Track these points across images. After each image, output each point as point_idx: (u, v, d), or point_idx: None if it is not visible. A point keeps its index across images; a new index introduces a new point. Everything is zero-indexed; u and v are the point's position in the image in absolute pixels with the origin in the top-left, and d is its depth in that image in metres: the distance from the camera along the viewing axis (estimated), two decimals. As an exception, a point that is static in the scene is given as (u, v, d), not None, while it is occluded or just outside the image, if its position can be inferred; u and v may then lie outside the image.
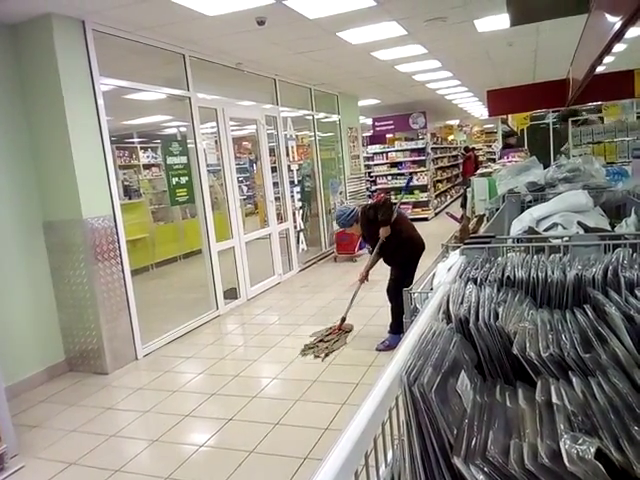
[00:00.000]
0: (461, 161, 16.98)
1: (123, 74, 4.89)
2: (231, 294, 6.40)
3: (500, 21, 5.52)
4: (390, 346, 4.36)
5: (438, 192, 14.42)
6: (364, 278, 4.93)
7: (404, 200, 12.85)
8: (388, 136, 14.21)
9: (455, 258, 1.69)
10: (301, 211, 8.38)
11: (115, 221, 4.60)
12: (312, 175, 8.99)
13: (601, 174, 3.26)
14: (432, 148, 13.89)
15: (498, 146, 14.47)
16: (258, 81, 7.25)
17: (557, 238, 1.92)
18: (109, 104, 4.64)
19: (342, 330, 4.92)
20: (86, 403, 3.94)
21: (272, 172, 7.54)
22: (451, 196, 16.20)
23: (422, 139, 13.07)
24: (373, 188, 13.67)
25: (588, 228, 2.13)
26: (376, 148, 13.61)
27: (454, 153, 17.80)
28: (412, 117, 12.82)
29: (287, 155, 7.92)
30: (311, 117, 8.85)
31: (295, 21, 4.96)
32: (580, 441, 0.60)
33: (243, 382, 4.11)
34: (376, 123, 13.43)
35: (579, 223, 2.21)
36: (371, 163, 13.64)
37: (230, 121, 6.47)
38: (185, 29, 4.93)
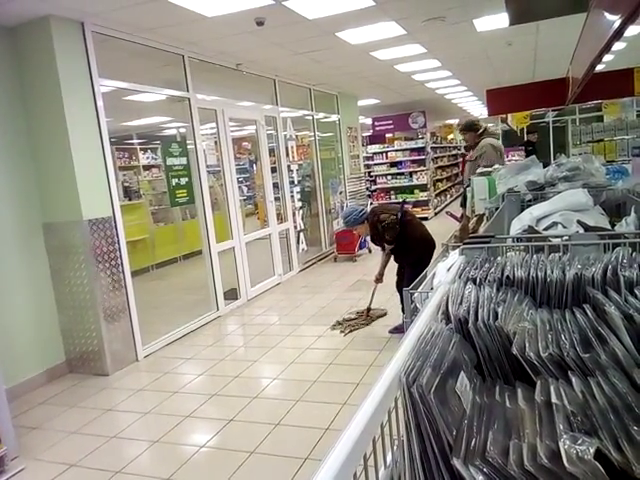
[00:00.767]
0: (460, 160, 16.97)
1: (122, 75, 4.89)
2: (231, 295, 6.40)
3: (499, 20, 5.52)
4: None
5: (438, 191, 14.41)
6: (379, 279, 4.98)
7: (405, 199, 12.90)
8: (388, 136, 14.20)
9: (455, 257, 1.69)
10: (301, 211, 8.38)
11: (115, 222, 4.59)
12: (312, 175, 8.99)
13: (601, 173, 3.25)
14: (432, 147, 13.88)
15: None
16: (258, 82, 7.26)
17: (557, 237, 1.92)
18: (109, 105, 4.64)
19: (370, 316, 5.18)
20: (86, 405, 3.94)
21: (272, 172, 7.54)
22: (451, 195, 16.20)
23: (422, 138, 13.07)
24: (373, 188, 13.68)
25: (588, 227, 2.12)
26: (376, 148, 13.61)
27: (454, 152, 17.79)
28: (411, 116, 12.82)
29: (287, 155, 7.92)
30: (311, 117, 8.85)
31: (294, 22, 4.96)
32: (579, 441, 0.60)
33: (243, 383, 4.11)
34: (376, 123, 13.43)
35: (579, 222, 2.20)
36: (371, 163, 13.64)
37: (230, 122, 6.47)
38: (184, 30, 4.93)
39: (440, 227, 9.70)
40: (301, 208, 8.39)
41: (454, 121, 21.45)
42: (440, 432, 0.71)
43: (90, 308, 4.43)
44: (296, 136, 8.33)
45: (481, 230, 3.47)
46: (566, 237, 1.83)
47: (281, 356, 4.57)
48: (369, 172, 13.73)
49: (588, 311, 0.96)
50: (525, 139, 10.36)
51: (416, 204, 12.81)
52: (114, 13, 4.25)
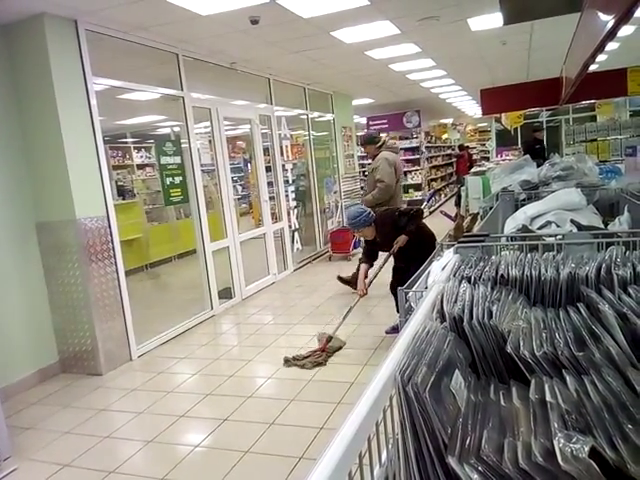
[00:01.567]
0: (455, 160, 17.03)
1: (116, 74, 4.86)
2: (226, 294, 6.39)
3: (493, 20, 5.53)
4: None
5: (432, 191, 14.42)
6: (365, 292, 4.62)
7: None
8: (382, 135, 14.19)
9: (449, 256, 1.69)
10: (295, 210, 8.37)
11: (109, 221, 4.57)
12: (306, 174, 8.99)
13: (594, 172, 3.28)
14: (426, 147, 13.91)
15: (492, 145, 14.51)
16: (252, 80, 7.24)
17: (551, 236, 1.92)
18: (102, 104, 4.61)
19: (326, 351, 4.40)
20: (80, 404, 3.92)
21: (266, 171, 7.52)
22: (445, 195, 16.23)
23: (416, 138, 13.09)
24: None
25: (581, 226, 2.14)
26: (370, 147, 13.59)
27: (448, 152, 17.83)
28: (406, 116, 12.83)
29: (281, 154, 7.91)
30: (305, 116, 8.84)
31: (289, 20, 4.95)
32: (574, 440, 0.60)
33: (238, 382, 4.10)
34: (370, 122, 13.43)
35: (572, 221, 2.22)
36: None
37: (224, 121, 6.45)
38: (179, 29, 4.91)
39: (435, 226, 9.70)
40: (296, 207, 8.38)
41: (449, 121, 21.54)
42: (435, 430, 0.71)
43: (84, 307, 4.41)
44: (291, 135, 8.32)
45: (475, 229, 3.48)
46: (560, 236, 1.84)
47: (275, 355, 4.56)
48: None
49: (582, 310, 0.96)
50: (532, 136, 10.31)
51: (410, 203, 12.82)
52: (108, 11, 4.23)
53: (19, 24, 4.12)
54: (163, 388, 4.09)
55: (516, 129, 13.21)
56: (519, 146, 13.45)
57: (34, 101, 4.24)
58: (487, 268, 1.25)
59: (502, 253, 1.61)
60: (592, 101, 10.95)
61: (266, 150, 7.62)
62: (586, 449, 0.58)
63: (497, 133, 14.65)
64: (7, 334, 4.15)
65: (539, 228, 2.33)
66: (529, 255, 1.31)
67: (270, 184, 7.71)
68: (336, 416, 3.31)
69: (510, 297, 1.07)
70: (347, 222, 4.85)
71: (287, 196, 8.08)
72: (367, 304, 5.66)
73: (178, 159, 5.49)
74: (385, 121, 13.19)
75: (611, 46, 7.07)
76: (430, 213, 13.16)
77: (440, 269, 1.65)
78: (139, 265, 8.20)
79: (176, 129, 6.30)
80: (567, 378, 0.76)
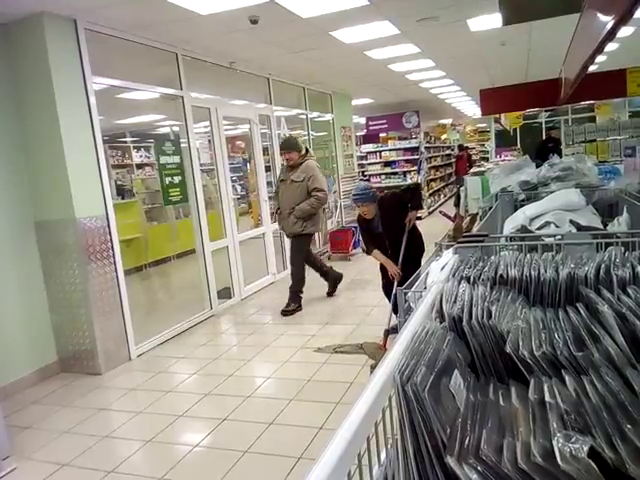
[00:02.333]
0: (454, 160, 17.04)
1: (116, 73, 4.86)
2: (225, 293, 6.39)
3: (493, 20, 5.54)
4: None
5: (431, 191, 14.45)
6: (399, 273, 4.36)
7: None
8: (381, 135, 14.22)
9: (448, 257, 1.69)
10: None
11: (108, 221, 4.57)
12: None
13: (593, 173, 3.28)
14: (425, 147, 13.91)
15: (492, 145, 14.52)
16: (251, 80, 7.24)
17: (550, 237, 1.92)
18: (101, 103, 4.61)
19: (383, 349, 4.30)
20: (79, 404, 3.92)
21: (266, 171, 7.52)
22: (445, 195, 16.24)
23: (415, 138, 13.09)
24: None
25: (580, 226, 2.14)
26: (370, 147, 13.62)
27: (447, 152, 17.83)
28: (405, 116, 12.84)
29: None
30: (304, 116, 8.84)
31: (288, 20, 4.95)
32: (573, 440, 0.60)
33: (237, 382, 4.10)
34: (369, 122, 13.44)
35: (571, 221, 2.22)
36: (365, 162, 13.65)
37: (223, 120, 6.45)
38: (178, 28, 4.91)
39: (434, 226, 9.72)
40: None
41: (448, 121, 21.54)
42: (434, 430, 0.71)
43: (83, 307, 4.41)
44: (290, 135, 8.32)
45: (475, 229, 3.48)
46: (559, 236, 1.84)
47: (275, 355, 4.57)
48: (363, 171, 13.74)
49: (581, 310, 0.96)
50: (547, 135, 10.28)
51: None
52: (107, 10, 4.23)
53: (18, 23, 4.11)
54: (162, 388, 4.09)
55: (515, 129, 13.23)
56: (518, 146, 13.47)
57: (33, 100, 4.23)
58: (486, 268, 1.25)
59: (501, 253, 1.61)
60: (591, 102, 10.96)
61: (265, 150, 7.62)
62: (585, 449, 0.58)
63: (496, 133, 14.67)
64: (6, 333, 4.15)
65: (538, 228, 2.33)
66: (528, 255, 1.31)
67: (269, 184, 7.71)
68: (335, 416, 3.31)
69: (509, 297, 1.07)
70: (354, 194, 4.54)
71: (286, 196, 8.06)
72: (366, 304, 5.67)
73: (177, 159, 5.49)
74: (384, 121, 13.20)
75: (610, 47, 7.08)
76: (429, 214, 13.17)
77: (439, 269, 1.65)
78: (138, 265, 8.19)
79: (175, 129, 6.30)
80: (566, 378, 0.76)
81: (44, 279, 4.50)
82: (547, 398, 0.71)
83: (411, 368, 0.74)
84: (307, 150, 5.80)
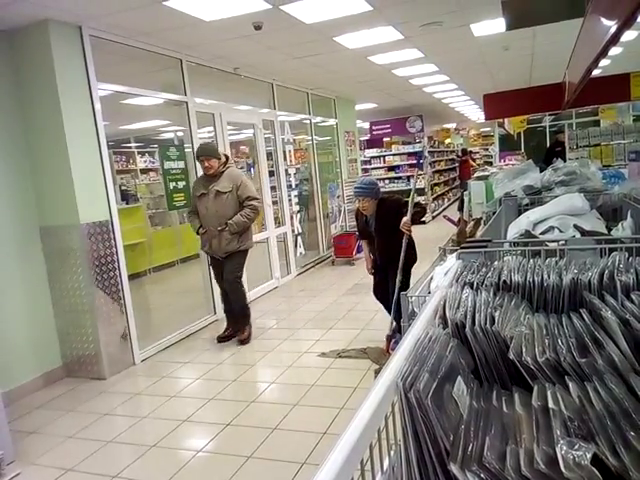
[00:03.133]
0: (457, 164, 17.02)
1: (120, 79, 4.89)
2: (229, 298, 6.38)
3: (496, 25, 5.54)
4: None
5: (435, 195, 14.44)
6: (371, 270, 4.63)
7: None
8: (385, 140, 14.23)
9: (452, 261, 1.69)
10: (299, 215, 8.38)
11: (112, 226, 4.59)
12: (309, 179, 9.00)
13: (597, 177, 3.27)
14: (429, 151, 13.91)
15: (495, 149, 14.51)
16: (255, 86, 7.27)
17: (553, 242, 1.92)
18: (106, 109, 4.63)
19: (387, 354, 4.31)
20: (83, 409, 3.93)
21: (270, 176, 7.54)
22: (448, 199, 16.23)
23: (419, 142, 13.10)
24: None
25: (584, 231, 2.13)
26: (373, 152, 13.64)
27: (451, 156, 17.83)
28: (409, 121, 12.85)
29: (284, 159, 7.93)
30: (308, 121, 8.86)
31: (292, 26, 4.97)
32: (576, 447, 0.60)
33: (241, 387, 4.10)
34: (373, 127, 13.47)
35: (575, 226, 2.21)
36: (368, 167, 13.66)
37: (227, 125, 6.47)
38: (182, 34, 4.93)
39: (438, 231, 9.72)
40: (299, 212, 8.39)
41: (452, 125, 21.54)
42: (437, 437, 0.71)
43: (87, 312, 4.42)
44: (294, 140, 8.34)
45: (478, 234, 3.48)
46: (562, 242, 1.84)
47: (279, 360, 4.56)
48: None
49: (585, 316, 0.96)
50: (554, 138, 10.29)
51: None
52: (112, 17, 4.26)
53: (23, 30, 4.15)
54: (166, 393, 4.09)
55: (519, 134, 13.21)
56: (522, 151, 13.45)
57: (38, 106, 4.26)
58: (490, 274, 1.25)
59: (505, 258, 1.61)
60: (595, 106, 10.94)
61: (269, 155, 7.64)
62: (588, 456, 0.58)
63: (500, 138, 14.64)
64: (11, 338, 4.16)
65: (542, 233, 2.33)
66: (532, 261, 1.31)
67: (273, 188, 7.72)
68: (339, 421, 3.30)
69: (513, 303, 1.07)
70: (357, 186, 4.41)
71: (290, 200, 8.09)
72: (369, 308, 5.65)
73: (182, 164, 5.51)
74: (388, 126, 13.22)
75: (614, 51, 7.07)
76: (433, 218, 13.16)
77: (443, 274, 1.65)
78: (142, 270, 8.20)
79: (180, 134, 6.33)
80: (570, 385, 0.76)
81: (49, 284, 4.51)
82: (550, 405, 0.71)
83: (414, 375, 0.74)
84: (227, 157, 5.10)
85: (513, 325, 0.95)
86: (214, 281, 5.98)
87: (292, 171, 8.17)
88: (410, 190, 4.27)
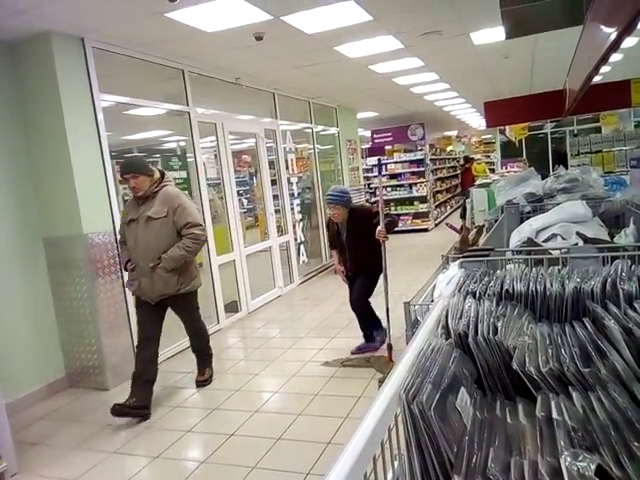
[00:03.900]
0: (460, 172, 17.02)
1: (123, 90, 4.92)
2: (232, 307, 6.39)
3: (496, 34, 5.57)
4: (371, 347, 4.59)
5: (438, 203, 14.45)
6: (345, 279, 4.83)
7: (405, 211, 12.94)
8: (387, 148, 14.27)
9: (455, 270, 1.69)
10: (301, 223, 8.39)
11: (115, 236, 4.60)
12: (312, 187, 9.02)
13: (599, 184, 3.27)
14: (431, 159, 13.94)
15: (497, 156, 14.52)
16: (257, 95, 7.31)
17: (556, 249, 1.92)
18: (109, 120, 4.66)
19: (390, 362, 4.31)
20: (87, 420, 3.92)
21: (272, 185, 7.56)
22: (451, 207, 16.23)
23: (421, 150, 13.13)
24: (373, 199, 13.71)
25: (587, 239, 2.13)
26: (375, 160, 13.65)
27: (453, 164, 17.85)
28: (410, 129, 12.89)
29: (287, 168, 7.95)
30: (310, 130, 8.89)
31: (293, 36, 5.01)
32: (580, 458, 0.60)
33: (244, 396, 4.09)
34: (375, 135, 13.51)
35: (578, 234, 2.21)
36: (370, 175, 13.69)
37: (229, 135, 6.50)
38: (184, 45, 4.97)
39: (440, 239, 9.71)
40: (301, 220, 8.40)
41: (453, 133, 21.58)
42: (441, 448, 0.71)
43: (90, 322, 4.42)
44: (295, 149, 8.37)
45: (481, 242, 3.48)
46: (565, 249, 1.83)
47: (282, 369, 4.55)
48: (369, 184, 13.78)
49: (588, 325, 0.96)
50: (553, 150, 10.39)
51: (416, 216, 12.84)
52: (114, 29, 4.29)
53: (26, 42, 4.18)
54: (169, 403, 4.08)
55: (521, 141, 13.22)
56: (524, 158, 13.46)
57: (41, 117, 4.29)
58: (492, 283, 1.25)
59: (507, 267, 1.61)
60: (596, 112, 10.94)
61: (271, 164, 7.67)
62: (592, 467, 0.58)
63: (502, 145, 14.66)
64: (14, 349, 4.16)
65: (545, 241, 2.33)
66: (534, 269, 1.31)
67: (276, 197, 7.74)
68: (344, 431, 3.29)
69: (515, 312, 1.07)
70: (329, 194, 4.45)
71: (293, 209, 8.10)
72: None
73: (184, 173, 5.53)
74: (390, 134, 13.26)
75: (614, 57, 7.09)
76: (435, 225, 13.16)
77: (445, 282, 1.65)
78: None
79: (182, 144, 6.35)
80: (573, 394, 0.76)
81: (52, 294, 4.52)
82: (554, 415, 0.71)
83: (417, 386, 0.74)
84: (162, 174, 4.01)
85: (516, 335, 0.95)
86: (217, 290, 5.98)
87: (294, 180, 8.19)
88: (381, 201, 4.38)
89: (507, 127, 12.09)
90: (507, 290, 1.19)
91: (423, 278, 3.74)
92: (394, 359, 4.27)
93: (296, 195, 8.24)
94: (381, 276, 4.52)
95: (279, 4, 4.18)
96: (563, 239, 2.28)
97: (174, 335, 5.42)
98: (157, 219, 3.82)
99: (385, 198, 13.18)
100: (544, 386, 0.82)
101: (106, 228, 4.52)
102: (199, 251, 4.11)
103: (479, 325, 0.98)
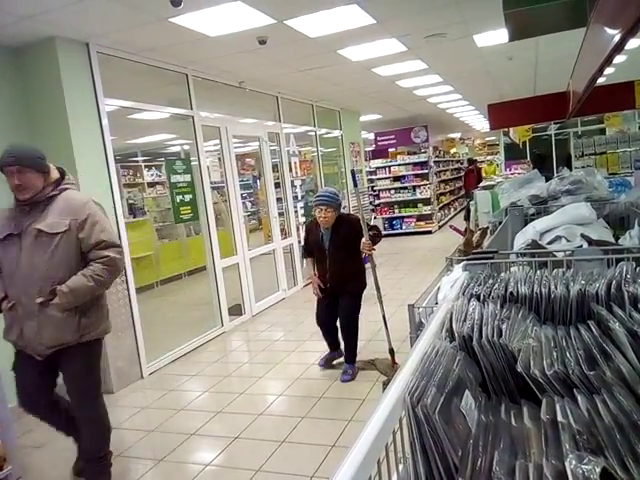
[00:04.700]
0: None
1: (127, 94, 4.94)
2: (236, 310, 6.39)
3: (499, 36, 5.57)
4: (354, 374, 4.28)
5: (441, 205, 14.43)
6: (318, 292, 4.47)
7: (408, 213, 12.93)
8: (390, 150, 14.28)
9: (459, 272, 1.69)
10: (305, 226, 8.38)
11: (120, 239, 4.60)
12: (315, 190, 9.02)
13: (603, 186, 3.26)
14: (434, 161, 13.93)
15: (501, 158, 14.51)
16: (260, 99, 7.33)
17: (560, 252, 1.92)
18: (113, 124, 4.68)
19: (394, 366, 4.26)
20: (91, 423, 3.92)
21: (275, 188, 7.58)
22: (454, 209, 16.21)
23: (424, 152, 13.13)
24: (376, 202, 13.73)
25: (591, 241, 2.13)
26: (379, 162, 13.67)
27: (456, 166, 17.84)
28: (414, 131, 12.89)
29: (290, 171, 7.97)
30: (313, 133, 8.91)
31: (296, 40, 5.02)
32: (585, 461, 0.60)
33: (249, 399, 4.09)
34: (378, 138, 13.52)
35: (582, 235, 2.21)
36: (374, 177, 13.69)
37: (233, 138, 6.52)
38: (188, 50, 4.99)
39: (444, 241, 9.69)
40: (305, 223, 8.40)
41: (457, 135, 21.57)
42: (446, 452, 0.71)
43: (95, 326, 4.41)
44: (299, 152, 8.38)
45: (485, 244, 3.47)
46: (569, 252, 1.83)
47: (286, 372, 4.55)
48: (372, 186, 13.79)
49: (593, 327, 0.95)
50: (537, 153, 10.45)
51: (420, 218, 12.83)
52: (119, 34, 4.32)
53: (31, 47, 4.21)
54: (174, 406, 4.08)
55: (525, 142, 13.20)
56: (528, 159, 13.45)
57: (46, 122, 4.31)
58: (496, 285, 1.25)
59: (511, 269, 1.61)
60: (600, 114, 10.92)
61: (275, 167, 7.68)
62: (597, 470, 0.58)
63: (506, 147, 14.65)
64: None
65: (549, 243, 2.32)
66: (538, 272, 1.31)
67: (279, 200, 7.76)
68: (348, 433, 3.29)
69: (520, 315, 1.07)
70: (321, 194, 4.21)
71: (296, 212, 8.11)
72: (376, 319, 5.62)
73: (188, 177, 5.55)
74: (393, 136, 13.27)
75: (619, 59, 7.08)
76: (439, 228, 13.14)
77: (450, 285, 1.65)
78: (150, 282, 8.24)
79: (186, 147, 6.38)
80: (578, 397, 0.76)
81: (57, 298, 4.52)
82: (559, 418, 0.71)
83: (421, 389, 0.74)
84: (63, 173, 2.91)
85: (521, 337, 0.95)
86: (221, 293, 5.99)
87: (298, 182, 8.20)
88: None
89: (511, 129, 12.08)
90: (511, 292, 1.19)
91: (427, 280, 3.72)
92: (397, 362, 4.26)
93: (299, 198, 8.25)
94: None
95: (283, 8, 4.19)
96: (567, 241, 2.27)
97: (176, 340, 5.44)
98: (53, 234, 2.65)
99: (389, 200, 13.20)
100: (549, 389, 0.82)
101: (110, 232, 4.52)
102: (112, 283, 2.86)
103: (483, 328, 0.98)
